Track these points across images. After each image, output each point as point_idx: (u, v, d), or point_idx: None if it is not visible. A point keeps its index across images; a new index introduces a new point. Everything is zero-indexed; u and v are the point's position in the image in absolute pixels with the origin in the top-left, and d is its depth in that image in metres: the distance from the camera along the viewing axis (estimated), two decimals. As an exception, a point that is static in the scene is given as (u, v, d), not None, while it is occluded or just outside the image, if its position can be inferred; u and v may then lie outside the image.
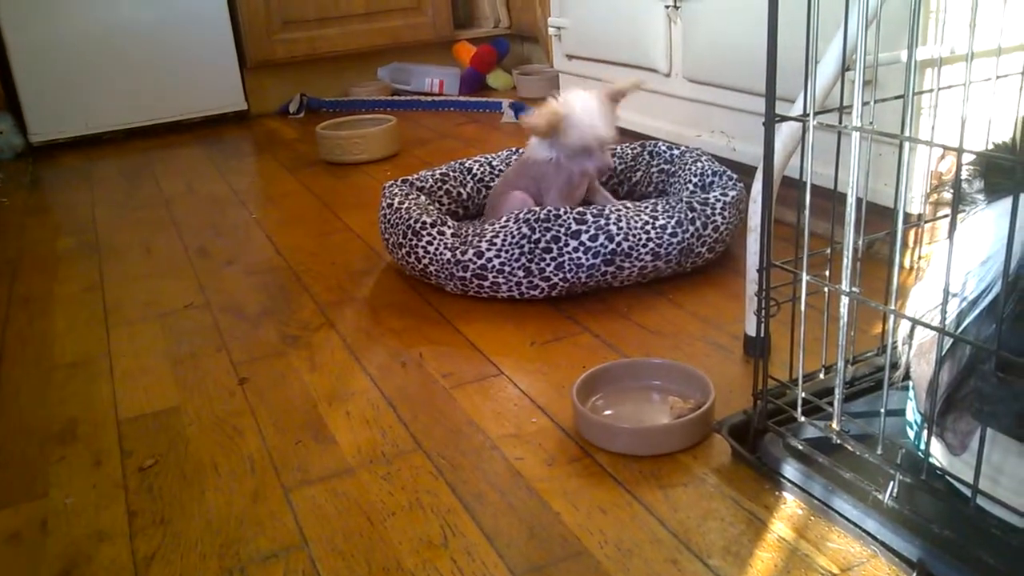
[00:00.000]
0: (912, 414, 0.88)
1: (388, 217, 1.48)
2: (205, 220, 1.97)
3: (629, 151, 1.71)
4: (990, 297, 0.73)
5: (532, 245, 1.32)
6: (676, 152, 1.66)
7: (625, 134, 2.07)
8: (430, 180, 1.65)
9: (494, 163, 1.74)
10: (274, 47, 2.94)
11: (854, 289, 0.82)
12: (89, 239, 1.89)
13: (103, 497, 0.98)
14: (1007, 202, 0.71)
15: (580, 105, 1.42)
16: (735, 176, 1.53)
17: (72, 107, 2.73)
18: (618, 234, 1.32)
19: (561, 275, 1.33)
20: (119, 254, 1.78)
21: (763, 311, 0.87)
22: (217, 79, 2.90)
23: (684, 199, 1.40)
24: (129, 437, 1.10)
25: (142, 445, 1.08)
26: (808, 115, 0.81)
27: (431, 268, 1.40)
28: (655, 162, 1.69)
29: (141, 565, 0.86)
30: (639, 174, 1.71)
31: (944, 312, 0.72)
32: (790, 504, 0.87)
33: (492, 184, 1.69)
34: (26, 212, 2.15)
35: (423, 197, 1.57)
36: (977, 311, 0.74)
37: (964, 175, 0.82)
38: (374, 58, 3.17)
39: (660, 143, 1.71)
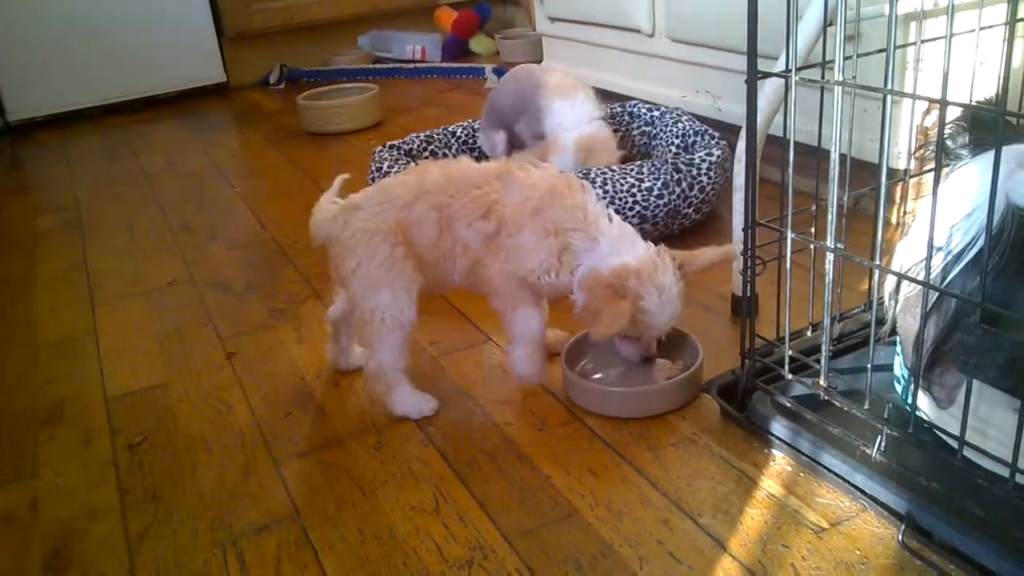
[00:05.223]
0: (899, 369, 0.88)
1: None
2: (187, 195, 1.94)
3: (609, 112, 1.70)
4: (974, 250, 0.73)
5: (517, 211, 1.31)
6: (656, 113, 1.65)
7: (606, 96, 2.05)
8: (416, 142, 1.67)
9: (478, 127, 1.73)
10: (251, 17, 2.89)
11: (839, 245, 0.82)
12: (70, 217, 1.87)
13: (94, 475, 0.98)
14: (990, 155, 0.71)
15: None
16: (717, 135, 1.52)
17: (49, 84, 2.68)
18: (604, 198, 1.31)
19: (547, 240, 1.32)
20: (101, 232, 1.76)
21: (749, 270, 0.87)
22: (195, 51, 2.85)
23: (669, 160, 1.39)
24: (118, 415, 1.09)
25: (131, 423, 1.07)
26: (790, 71, 0.80)
27: (417, 237, 1.39)
28: (636, 124, 1.68)
29: (134, 541, 0.86)
30: (619, 136, 1.70)
31: (929, 266, 0.72)
32: (779, 461, 0.88)
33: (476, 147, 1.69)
34: (5, 192, 2.12)
35: (412, 162, 1.57)
36: (962, 264, 0.74)
37: (949, 131, 0.82)
38: (354, 26, 3.12)
39: (639, 104, 1.69)
